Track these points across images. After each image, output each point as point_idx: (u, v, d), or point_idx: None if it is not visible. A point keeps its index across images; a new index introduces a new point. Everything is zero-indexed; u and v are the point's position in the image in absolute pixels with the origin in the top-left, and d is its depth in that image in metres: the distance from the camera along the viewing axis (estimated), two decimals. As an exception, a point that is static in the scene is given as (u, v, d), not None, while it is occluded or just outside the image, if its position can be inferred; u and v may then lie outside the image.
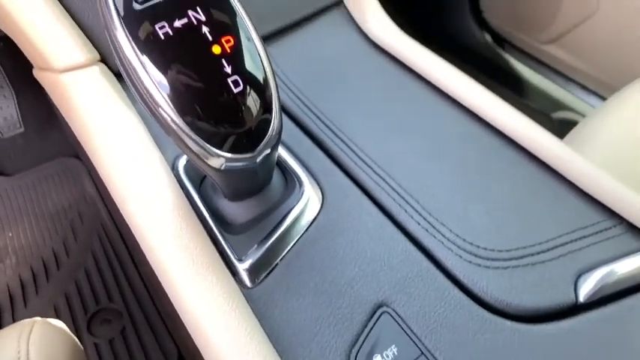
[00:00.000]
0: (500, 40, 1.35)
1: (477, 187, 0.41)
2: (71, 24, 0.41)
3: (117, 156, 0.40)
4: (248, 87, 0.29)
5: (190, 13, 0.28)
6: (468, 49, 1.39)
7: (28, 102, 1.15)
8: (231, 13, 0.29)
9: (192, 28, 0.28)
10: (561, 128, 1.23)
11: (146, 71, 0.27)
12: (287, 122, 0.45)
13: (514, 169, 0.43)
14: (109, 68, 0.44)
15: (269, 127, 0.30)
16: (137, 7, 0.27)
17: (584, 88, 1.21)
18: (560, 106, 1.23)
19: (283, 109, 0.47)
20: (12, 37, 0.44)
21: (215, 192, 0.40)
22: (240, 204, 0.38)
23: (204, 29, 0.28)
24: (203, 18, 0.28)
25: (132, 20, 0.27)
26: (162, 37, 0.27)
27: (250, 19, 0.30)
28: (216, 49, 0.28)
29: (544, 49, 1.24)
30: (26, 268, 1.05)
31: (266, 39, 0.50)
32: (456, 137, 0.45)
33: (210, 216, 0.38)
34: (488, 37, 1.36)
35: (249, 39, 0.30)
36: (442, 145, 0.44)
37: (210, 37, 0.28)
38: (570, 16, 1.15)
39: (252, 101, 0.29)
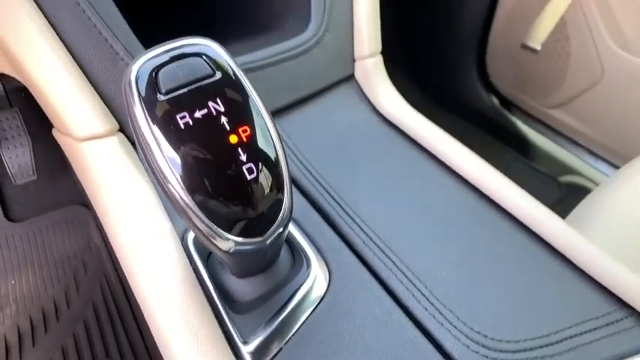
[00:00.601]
0: (508, 103, 1.38)
1: (485, 271, 0.41)
2: (93, 94, 0.42)
3: (128, 225, 0.40)
4: (262, 173, 0.29)
5: (211, 104, 0.29)
6: (475, 111, 1.42)
7: (43, 149, 1.18)
8: (247, 100, 0.30)
9: (211, 118, 0.28)
10: (569, 192, 1.23)
11: (161, 150, 0.27)
12: (296, 195, 0.45)
13: (523, 252, 0.43)
14: (127, 137, 0.45)
15: (280, 209, 0.30)
16: (161, 97, 0.28)
17: (591, 153, 1.22)
18: (567, 170, 1.23)
19: (293, 182, 0.47)
20: (35, 96, 0.46)
21: (222, 267, 0.39)
22: (247, 281, 0.38)
23: (223, 119, 0.29)
24: (222, 109, 0.29)
25: (153, 108, 0.28)
26: (182, 126, 0.28)
27: (264, 104, 0.31)
28: (233, 139, 0.29)
29: (551, 114, 1.27)
30: (25, 318, 1.03)
31: (278, 112, 0.51)
32: (465, 217, 0.45)
33: (216, 293, 0.38)
34: (495, 100, 1.39)
35: (264, 125, 0.30)
36: (451, 225, 0.44)
37: (228, 127, 0.29)
38: (576, 83, 1.18)
39: (265, 187, 0.29)
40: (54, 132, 0.48)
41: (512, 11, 1.26)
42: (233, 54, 0.50)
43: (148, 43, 0.51)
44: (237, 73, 0.30)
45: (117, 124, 0.45)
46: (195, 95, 0.28)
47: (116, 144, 0.43)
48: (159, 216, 0.41)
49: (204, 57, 0.29)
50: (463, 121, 1.44)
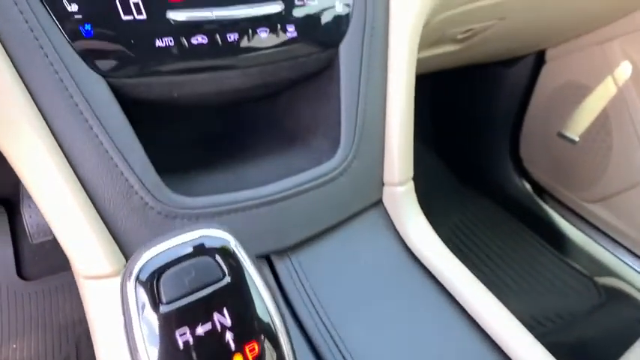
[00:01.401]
0: (541, 191, 1.32)
1: None
2: (101, 231, 0.40)
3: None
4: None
5: (216, 316, 0.25)
6: (506, 196, 1.36)
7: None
8: (258, 308, 0.26)
9: (214, 335, 0.24)
10: (608, 298, 1.14)
11: None
12: (304, 347, 0.41)
13: None
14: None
15: None
16: (161, 308, 0.24)
17: (633, 254, 1.14)
18: (606, 270, 1.15)
19: (304, 332, 0.43)
20: None
21: None
22: None
23: (228, 336, 0.25)
24: (228, 322, 0.25)
25: (152, 322, 0.24)
26: (181, 346, 0.24)
27: (278, 309, 0.27)
28: (238, 358, 0.25)
29: (588, 207, 1.20)
30: (21, 389, 0.99)
31: (296, 245, 0.48)
32: None
33: None
34: (527, 186, 1.33)
35: (276, 340, 0.26)
36: None
37: (233, 346, 0.25)
38: (618, 179, 1.11)
39: None
40: None
41: (549, 98, 1.23)
42: (251, 185, 0.48)
43: (164, 156, 0.49)
44: (250, 273, 0.26)
45: (124, 260, 0.41)
46: (199, 306, 0.25)
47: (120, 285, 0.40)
48: None
49: (215, 257, 0.26)
50: (493, 204, 1.37)
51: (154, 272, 0.25)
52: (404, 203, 0.52)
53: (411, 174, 0.53)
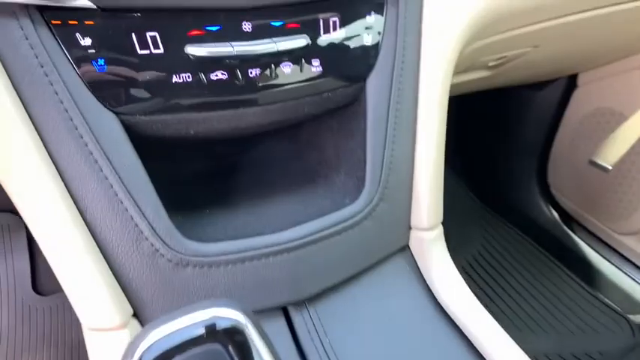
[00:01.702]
0: (570, 220, 1.26)
1: None
2: (108, 280, 0.37)
3: None
4: None
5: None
6: (532, 223, 1.30)
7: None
8: None
9: None
10: (642, 338, 1.07)
11: None
12: None
13: None
14: (141, 323, 0.40)
15: None
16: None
17: (670, 292, 1.07)
18: (640, 308, 1.08)
19: None
20: None
21: None
22: None
23: None
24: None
25: None
26: None
27: None
28: None
29: (621, 240, 1.13)
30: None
31: (316, 296, 0.44)
32: None
33: None
34: (555, 214, 1.27)
35: None
36: None
37: None
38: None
39: None
40: None
41: (581, 123, 1.17)
42: (269, 228, 0.45)
43: (176, 192, 0.46)
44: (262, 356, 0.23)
45: (131, 309, 0.39)
46: None
47: (126, 337, 0.38)
48: None
49: (226, 345, 0.23)
50: (518, 232, 1.32)
51: (158, 357, 0.22)
52: (432, 249, 0.48)
53: (441, 218, 0.49)
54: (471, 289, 0.48)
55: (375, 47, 0.46)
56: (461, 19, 0.49)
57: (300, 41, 0.42)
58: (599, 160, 1.14)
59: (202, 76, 0.39)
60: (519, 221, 1.32)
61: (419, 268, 0.49)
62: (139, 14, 0.37)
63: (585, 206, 1.21)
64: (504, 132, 1.32)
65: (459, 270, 0.49)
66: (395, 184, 0.47)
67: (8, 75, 0.35)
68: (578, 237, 1.23)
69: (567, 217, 1.27)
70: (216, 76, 0.40)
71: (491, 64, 0.73)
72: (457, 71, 0.71)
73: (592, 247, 1.19)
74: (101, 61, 0.37)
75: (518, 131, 1.28)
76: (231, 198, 0.49)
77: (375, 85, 0.47)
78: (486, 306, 0.48)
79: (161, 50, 0.38)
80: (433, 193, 0.48)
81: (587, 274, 1.17)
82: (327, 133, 0.53)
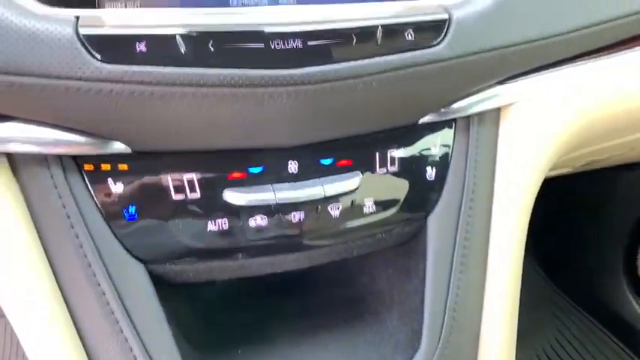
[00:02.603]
0: (664, 320, 1.08)
1: None
2: None
3: None
4: None
5: None
6: (614, 317, 1.13)
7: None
8: None
9: None
10: None
11: None
12: None
13: None
14: None
15: None
16: None
17: None
18: None
19: None
20: None
21: None
22: None
23: None
24: None
25: None
26: None
27: None
28: None
29: None
30: None
31: None
32: None
33: None
34: (645, 311, 1.10)
35: None
36: None
37: None
38: None
39: None
40: None
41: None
42: None
43: (197, 334, 0.42)
44: None
45: None
46: None
47: None
48: None
49: None
50: (596, 324, 1.16)
51: None
52: None
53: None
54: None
55: (440, 181, 0.40)
56: (546, 145, 0.42)
57: (352, 182, 0.37)
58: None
59: (240, 222, 0.35)
60: (599, 313, 1.16)
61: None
62: (176, 156, 0.34)
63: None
64: (586, 213, 1.18)
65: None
66: (457, 341, 0.40)
67: (35, 225, 0.33)
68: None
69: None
70: (255, 221, 0.35)
71: (578, 164, 0.64)
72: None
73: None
74: (132, 209, 0.34)
75: (603, 214, 1.14)
76: (261, 338, 0.44)
77: (438, 223, 0.40)
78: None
79: (198, 195, 0.34)
80: (505, 355, 0.40)
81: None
82: (380, 264, 0.46)
